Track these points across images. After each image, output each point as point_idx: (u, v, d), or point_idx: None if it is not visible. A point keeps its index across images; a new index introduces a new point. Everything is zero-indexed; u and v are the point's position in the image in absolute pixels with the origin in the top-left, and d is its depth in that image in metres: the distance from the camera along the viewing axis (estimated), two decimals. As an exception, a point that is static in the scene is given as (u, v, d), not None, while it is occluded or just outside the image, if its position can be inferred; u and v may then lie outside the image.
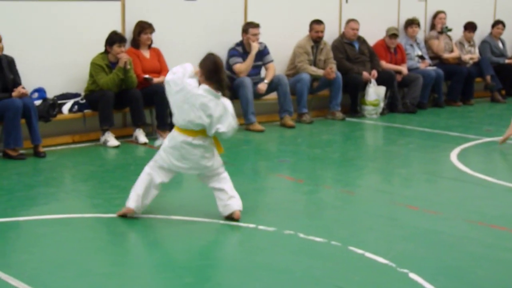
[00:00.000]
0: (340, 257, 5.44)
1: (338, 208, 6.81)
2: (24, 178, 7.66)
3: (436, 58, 12.88)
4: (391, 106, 11.95)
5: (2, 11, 8.86)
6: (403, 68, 12.15)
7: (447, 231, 6.06)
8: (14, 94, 8.51)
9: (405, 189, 7.63)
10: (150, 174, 6.26)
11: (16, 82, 8.70)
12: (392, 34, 12.02)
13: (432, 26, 13.14)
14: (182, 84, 6.03)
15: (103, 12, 9.65)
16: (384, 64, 12.01)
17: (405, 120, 11.28)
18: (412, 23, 12.56)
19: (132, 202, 6.23)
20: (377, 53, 11.99)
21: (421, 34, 12.96)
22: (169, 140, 6.23)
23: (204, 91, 6.02)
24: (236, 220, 6.17)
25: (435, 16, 13.09)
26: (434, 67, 12.59)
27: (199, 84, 6.08)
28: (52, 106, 8.96)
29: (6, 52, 8.66)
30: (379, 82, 11.59)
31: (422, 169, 8.48)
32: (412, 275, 5.06)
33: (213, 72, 6.07)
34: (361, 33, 11.77)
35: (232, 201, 6.25)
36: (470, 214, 6.50)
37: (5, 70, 8.62)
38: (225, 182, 6.32)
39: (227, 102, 6.16)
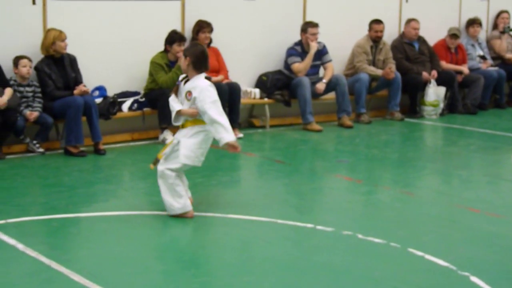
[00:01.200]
0: (400, 259, 5.38)
1: (397, 209, 6.74)
2: (85, 175, 7.77)
3: (498, 59, 12.66)
4: (451, 107, 11.79)
5: (65, 11, 8.99)
6: (464, 68, 11.97)
7: (509, 234, 5.95)
8: (75, 92, 8.64)
9: (465, 191, 7.51)
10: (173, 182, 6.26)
11: (78, 80, 8.83)
12: (453, 34, 11.86)
13: (495, 26, 12.92)
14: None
15: (163, 11, 9.73)
16: (445, 64, 11.86)
17: (465, 121, 11.11)
18: (473, 22, 12.37)
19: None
20: (438, 53, 11.84)
21: (483, 34, 12.75)
22: (193, 137, 6.19)
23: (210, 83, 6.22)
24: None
25: (497, 15, 12.88)
26: (496, 68, 12.38)
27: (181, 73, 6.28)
28: (112, 104, 9.07)
29: (69, 50, 8.79)
30: (439, 82, 11.45)
31: (483, 171, 8.34)
32: (474, 279, 4.97)
33: (202, 60, 6.23)
34: (421, 32, 11.64)
35: None
36: (533, 218, 6.38)
37: (68, 68, 8.76)
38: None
39: None
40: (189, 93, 6.20)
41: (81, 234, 6.02)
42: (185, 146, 6.18)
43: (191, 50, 6.30)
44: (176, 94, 6.34)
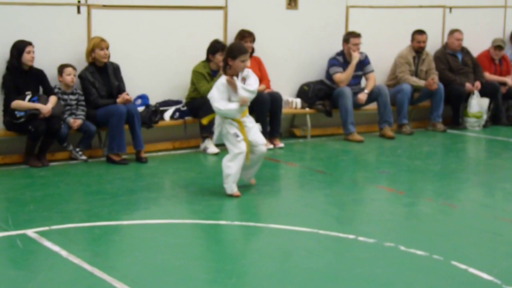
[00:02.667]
0: (443, 272, 5.32)
1: (439, 222, 6.67)
2: (127, 183, 7.82)
3: (543, 70, 12.49)
4: (495, 118, 11.65)
5: (109, 19, 9.09)
6: (508, 80, 11.84)
7: (555, 248, 5.86)
8: (118, 100, 8.71)
9: (509, 204, 7.41)
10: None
11: (121, 88, 8.91)
12: (498, 46, 11.74)
13: (540, 37, 12.76)
14: None
15: (206, 20, 9.78)
16: (488, 75, 11.74)
17: (509, 133, 10.97)
18: (518, 34, 12.24)
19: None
20: (481, 64, 11.73)
21: (527, 45, 12.60)
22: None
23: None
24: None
25: (543, 26, 12.71)
26: (541, 79, 12.21)
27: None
28: (154, 113, 9.13)
29: (112, 59, 8.88)
30: (483, 93, 11.33)
31: (528, 184, 8.23)
32: (519, 293, 4.91)
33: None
34: (465, 43, 11.54)
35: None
36: None
37: (111, 76, 8.84)
38: None
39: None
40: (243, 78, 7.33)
41: (123, 242, 6.06)
42: None
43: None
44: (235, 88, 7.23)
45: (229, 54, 7.22)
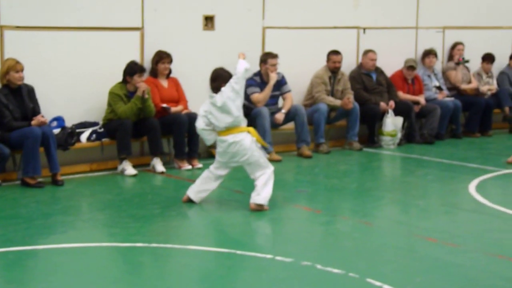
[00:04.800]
0: (359, 289, 5.40)
1: (356, 239, 6.77)
2: (42, 206, 7.69)
3: (454, 89, 12.85)
4: (409, 136, 11.92)
5: (23, 41, 8.95)
6: (421, 99, 12.13)
7: (466, 264, 6.01)
8: (33, 122, 8.57)
9: (423, 220, 7.57)
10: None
11: (36, 110, 8.76)
12: (410, 66, 12.03)
13: (450, 57, 13.13)
14: None
15: (122, 41, 9.73)
16: (402, 94, 12.01)
17: (423, 151, 11.23)
18: (429, 53, 12.56)
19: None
20: (395, 84, 12.00)
21: (438, 65, 12.95)
22: None
23: None
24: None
25: (453, 47, 13.07)
26: (452, 98, 12.55)
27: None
28: (70, 135, 9.01)
29: (26, 81, 8.73)
30: (397, 112, 11.58)
31: (441, 200, 8.43)
32: (432, 308, 5.01)
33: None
34: (378, 63, 11.79)
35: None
36: (490, 247, 6.44)
37: (25, 98, 8.69)
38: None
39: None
40: None
41: (38, 267, 5.94)
42: None
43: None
44: None
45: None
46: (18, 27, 8.90)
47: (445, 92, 12.62)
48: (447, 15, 13.06)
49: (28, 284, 5.55)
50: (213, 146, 10.52)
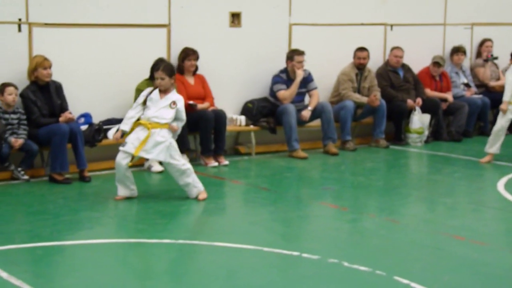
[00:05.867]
0: (385, 287, 5.37)
1: (382, 237, 6.74)
2: (70, 202, 7.74)
3: (482, 86, 12.75)
4: (436, 134, 11.84)
5: (51, 38, 9.01)
6: (449, 96, 12.05)
7: (494, 262, 5.96)
8: (61, 119, 8.63)
9: (450, 218, 7.52)
10: None
11: (63, 107, 8.82)
12: (436, 63, 11.95)
13: (478, 54, 13.03)
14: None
15: (149, 38, 9.76)
16: (429, 91, 11.94)
17: (450, 149, 11.16)
18: (458, 50, 12.47)
19: None
20: (422, 81, 11.92)
21: (467, 62, 12.86)
22: None
23: None
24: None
25: (481, 44, 12.98)
26: (480, 95, 12.46)
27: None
28: (97, 131, 9.06)
29: (54, 77, 8.79)
30: (424, 110, 11.51)
31: (468, 198, 8.37)
32: (459, 307, 4.98)
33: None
34: (406, 60, 11.73)
35: None
36: (517, 245, 6.40)
37: (53, 95, 8.75)
38: None
39: None
40: (173, 103, 7.69)
41: (66, 263, 5.99)
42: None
43: (172, 70, 7.83)
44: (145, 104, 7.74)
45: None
46: (46, 24, 8.95)
47: (473, 89, 12.53)
48: (475, 11, 12.96)
49: (56, 279, 5.59)
50: (240, 143, 10.59)
